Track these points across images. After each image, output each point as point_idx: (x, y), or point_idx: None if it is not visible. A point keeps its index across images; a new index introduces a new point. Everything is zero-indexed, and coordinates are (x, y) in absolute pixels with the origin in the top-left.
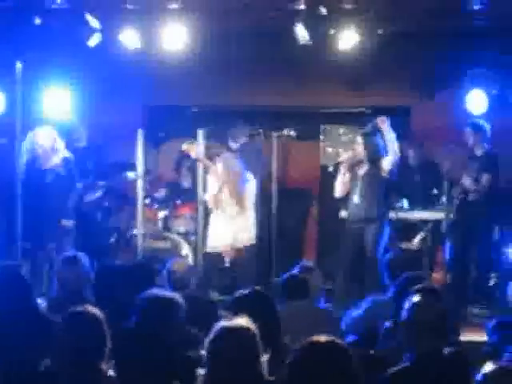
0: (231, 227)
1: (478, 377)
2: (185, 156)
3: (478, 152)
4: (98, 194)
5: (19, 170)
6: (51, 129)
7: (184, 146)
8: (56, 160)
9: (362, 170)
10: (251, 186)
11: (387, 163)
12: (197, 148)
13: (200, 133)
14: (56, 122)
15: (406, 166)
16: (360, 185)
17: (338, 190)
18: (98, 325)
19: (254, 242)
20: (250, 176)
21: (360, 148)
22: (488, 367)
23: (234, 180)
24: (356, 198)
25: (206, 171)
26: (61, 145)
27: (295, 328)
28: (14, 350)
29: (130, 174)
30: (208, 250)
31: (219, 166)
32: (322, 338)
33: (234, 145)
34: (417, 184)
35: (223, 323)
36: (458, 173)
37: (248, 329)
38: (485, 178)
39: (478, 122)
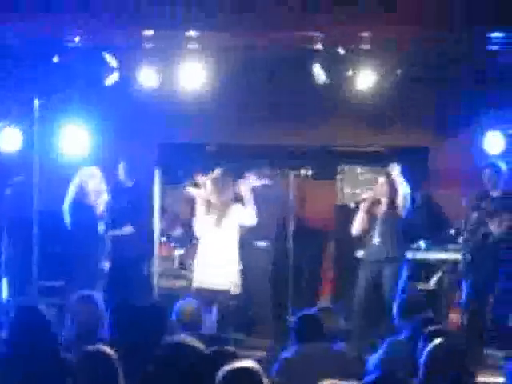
0: (215, 262)
1: None
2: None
3: (494, 193)
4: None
5: (36, 208)
6: (96, 169)
7: (187, 189)
8: (101, 202)
9: (381, 210)
10: (239, 215)
11: (401, 200)
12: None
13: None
14: (72, 160)
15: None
16: (379, 225)
17: (357, 227)
18: (112, 364)
19: (236, 291)
20: (238, 207)
21: (381, 188)
22: None
23: (223, 204)
24: (375, 239)
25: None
26: (104, 186)
27: (306, 371)
28: None
29: None
30: (195, 286)
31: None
32: (340, 382)
33: (260, 182)
34: (434, 223)
35: (229, 366)
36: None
37: (253, 369)
38: (497, 222)
39: (496, 163)
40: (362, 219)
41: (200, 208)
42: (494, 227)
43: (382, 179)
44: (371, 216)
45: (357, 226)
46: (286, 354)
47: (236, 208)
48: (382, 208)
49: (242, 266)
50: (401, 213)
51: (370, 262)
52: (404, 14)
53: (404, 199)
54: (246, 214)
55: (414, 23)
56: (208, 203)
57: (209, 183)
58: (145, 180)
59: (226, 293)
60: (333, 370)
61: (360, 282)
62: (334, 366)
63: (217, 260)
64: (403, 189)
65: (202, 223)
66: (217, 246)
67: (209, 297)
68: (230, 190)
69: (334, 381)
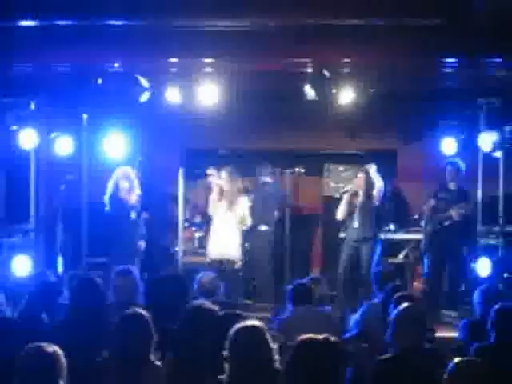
0: (217, 241)
1: (449, 366)
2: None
3: (451, 186)
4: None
5: (85, 200)
6: (130, 169)
7: (208, 171)
8: (134, 197)
9: (360, 200)
10: (245, 208)
11: (376, 192)
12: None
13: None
14: (114, 162)
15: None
16: (358, 213)
17: (341, 213)
18: (146, 323)
19: (238, 262)
20: (244, 201)
21: (359, 182)
22: (457, 359)
23: (233, 193)
24: (354, 223)
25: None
26: (136, 183)
27: (300, 328)
28: (83, 341)
29: None
30: (208, 259)
31: (224, 178)
32: (318, 336)
33: (262, 179)
34: (394, 210)
35: (237, 325)
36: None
37: (258, 327)
38: (465, 207)
39: (456, 162)
40: (344, 207)
41: (214, 194)
42: (454, 214)
43: (360, 175)
44: (352, 205)
45: (341, 212)
46: (283, 315)
47: (243, 199)
48: (360, 199)
49: (248, 246)
50: (376, 202)
51: (350, 241)
52: (377, 45)
53: (379, 192)
54: (247, 211)
55: (385, 54)
56: (221, 191)
57: (224, 174)
58: (164, 178)
59: (233, 263)
60: (321, 328)
61: (343, 257)
62: (321, 324)
63: (226, 237)
64: (378, 183)
65: (216, 207)
66: (227, 226)
67: (220, 266)
68: (239, 182)
69: (316, 335)
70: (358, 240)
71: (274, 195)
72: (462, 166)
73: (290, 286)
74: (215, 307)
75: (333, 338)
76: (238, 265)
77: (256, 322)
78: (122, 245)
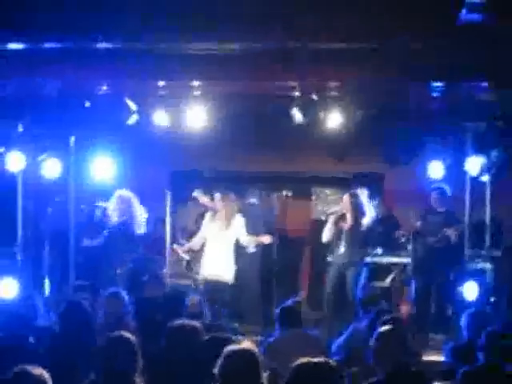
0: (213, 261)
1: None
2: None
3: (440, 209)
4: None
5: (72, 222)
6: (124, 192)
7: (194, 194)
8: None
9: (347, 226)
10: (239, 229)
11: (366, 221)
12: (201, 197)
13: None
14: (101, 184)
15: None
16: (345, 237)
17: (326, 236)
18: (132, 346)
19: (230, 281)
20: (240, 220)
21: (345, 204)
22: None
23: (228, 214)
24: (341, 247)
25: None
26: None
27: (287, 352)
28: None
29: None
30: (201, 276)
31: (218, 203)
32: (315, 359)
33: (250, 201)
34: (385, 234)
35: (231, 347)
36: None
37: (251, 351)
38: (453, 231)
39: (442, 187)
40: (329, 229)
41: (208, 215)
42: (451, 234)
43: (346, 197)
44: (338, 228)
45: (325, 235)
46: (270, 339)
47: (238, 221)
48: (347, 222)
49: (236, 267)
50: (363, 227)
51: (337, 264)
52: (364, 68)
53: (369, 219)
54: (243, 233)
55: (371, 75)
56: (215, 212)
57: (218, 196)
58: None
59: (225, 283)
60: (308, 351)
61: (329, 280)
62: (308, 348)
63: (220, 258)
64: (370, 212)
65: (209, 228)
66: (221, 246)
67: (212, 286)
68: (234, 202)
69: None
70: (343, 263)
71: (260, 217)
72: (448, 190)
73: (276, 310)
74: (198, 325)
75: (331, 362)
76: (231, 284)
77: (250, 346)
78: (108, 267)
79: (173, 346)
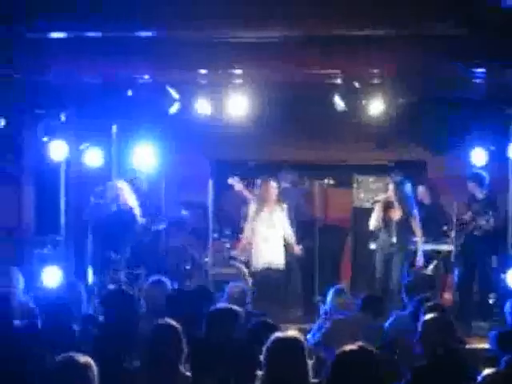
0: (266, 248)
1: (479, 378)
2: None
3: (479, 196)
4: (162, 226)
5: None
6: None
7: (230, 181)
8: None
9: (397, 216)
10: (283, 216)
11: (415, 219)
12: (237, 184)
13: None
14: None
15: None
16: (393, 226)
17: (373, 224)
18: (177, 334)
19: (282, 266)
20: (283, 207)
21: (391, 193)
22: (487, 371)
23: (272, 200)
24: (386, 234)
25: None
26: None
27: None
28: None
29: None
30: (253, 269)
31: (262, 189)
32: (355, 346)
33: (283, 184)
34: (430, 221)
35: (278, 334)
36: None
37: (298, 339)
38: (491, 217)
39: (475, 174)
40: (377, 217)
41: (253, 205)
42: (484, 223)
43: (391, 186)
44: (385, 215)
45: (373, 223)
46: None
47: (282, 207)
48: (395, 210)
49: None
50: (409, 216)
51: (382, 252)
52: (404, 55)
53: (412, 209)
54: (287, 226)
55: (413, 62)
56: (260, 201)
57: (260, 183)
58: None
59: (276, 269)
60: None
61: (377, 265)
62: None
63: (271, 244)
64: (413, 200)
65: (258, 215)
66: (270, 232)
67: (264, 273)
68: (275, 191)
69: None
70: (389, 251)
71: (302, 206)
72: (487, 177)
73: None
74: (239, 309)
75: (371, 348)
76: (282, 270)
77: (297, 334)
78: (150, 254)
79: (213, 331)
